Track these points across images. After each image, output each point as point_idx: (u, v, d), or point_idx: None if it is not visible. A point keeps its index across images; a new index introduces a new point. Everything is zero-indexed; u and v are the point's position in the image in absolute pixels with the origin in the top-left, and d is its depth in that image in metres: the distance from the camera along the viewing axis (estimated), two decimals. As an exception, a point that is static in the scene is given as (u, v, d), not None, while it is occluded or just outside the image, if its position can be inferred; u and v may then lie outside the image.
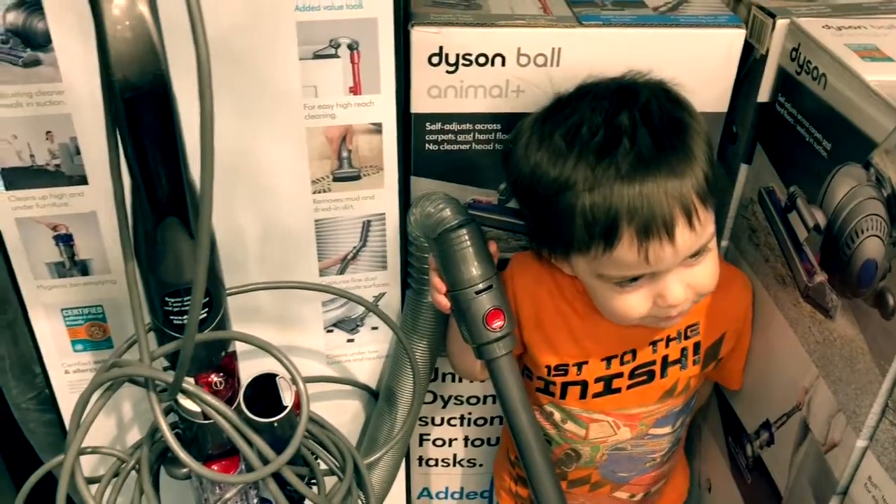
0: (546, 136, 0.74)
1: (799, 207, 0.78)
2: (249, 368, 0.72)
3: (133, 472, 0.75)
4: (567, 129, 0.73)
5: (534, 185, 0.74)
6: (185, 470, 0.76)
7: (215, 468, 0.72)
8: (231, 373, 0.71)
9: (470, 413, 1.07)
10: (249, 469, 0.65)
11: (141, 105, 0.46)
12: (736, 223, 0.91)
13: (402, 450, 0.96)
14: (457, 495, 1.16)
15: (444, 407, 1.06)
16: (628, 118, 0.71)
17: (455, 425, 1.08)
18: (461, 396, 1.05)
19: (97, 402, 0.67)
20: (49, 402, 0.94)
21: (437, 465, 1.13)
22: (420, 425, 1.08)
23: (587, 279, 0.78)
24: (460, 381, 1.03)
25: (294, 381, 0.65)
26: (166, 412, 0.70)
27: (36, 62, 0.70)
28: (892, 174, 0.64)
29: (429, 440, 1.10)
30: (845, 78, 0.70)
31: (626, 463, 0.92)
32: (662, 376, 0.86)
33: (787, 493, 0.83)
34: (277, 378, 0.68)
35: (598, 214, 0.70)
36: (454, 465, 1.13)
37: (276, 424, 0.66)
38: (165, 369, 0.66)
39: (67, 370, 0.89)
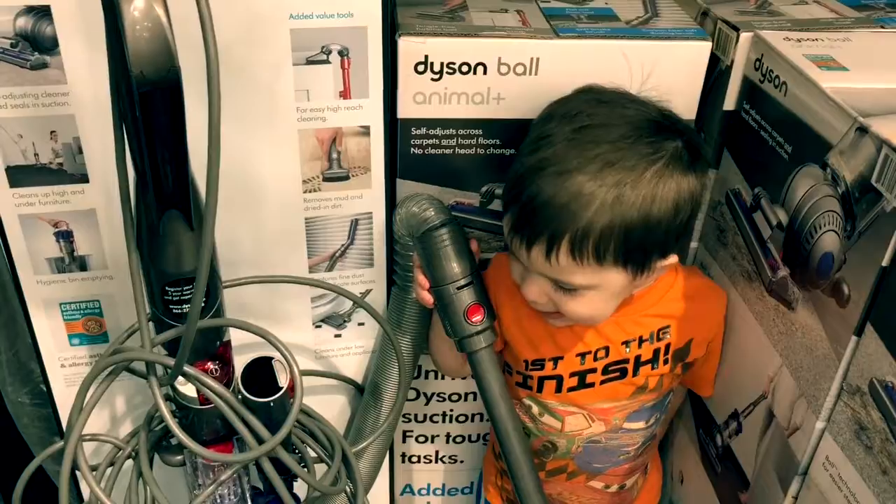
0: (579, 103, 0.78)
1: (763, 207, 0.83)
2: (241, 362, 0.75)
3: (128, 462, 0.78)
4: (592, 112, 0.76)
5: (533, 126, 0.79)
6: (179, 457, 0.80)
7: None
8: (226, 361, 0.74)
9: (452, 410, 1.10)
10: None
11: (157, 98, 0.50)
12: (705, 224, 0.95)
13: (386, 441, 0.99)
14: (439, 491, 1.19)
15: (426, 404, 1.09)
16: (620, 145, 0.73)
17: (437, 422, 1.11)
18: (443, 393, 1.08)
19: (98, 387, 0.70)
20: (43, 396, 0.96)
21: (419, 461, 1.15)
22: (403, 422, 1.10)
23: None
24: (443, 378, 1.07)
25: (288, 363, 0.68)
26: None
27: (43, 65, 0.73)
28: (846, 173, 0.69)
29: (412, 436, 1.13)
30: (804, 86, 0.75)
31: (601, 455, 0.95)
32: (634, 374, 0.89)
33: (753, 478, 0.87)
34: (273, 361, 0.71)
35: (520, 181, 0.75)
36: (436, 462, 1.16)
37: (272, 404, 0.69)
38: (164, 357, 0.69)
39: (64, 364, 0.91)
